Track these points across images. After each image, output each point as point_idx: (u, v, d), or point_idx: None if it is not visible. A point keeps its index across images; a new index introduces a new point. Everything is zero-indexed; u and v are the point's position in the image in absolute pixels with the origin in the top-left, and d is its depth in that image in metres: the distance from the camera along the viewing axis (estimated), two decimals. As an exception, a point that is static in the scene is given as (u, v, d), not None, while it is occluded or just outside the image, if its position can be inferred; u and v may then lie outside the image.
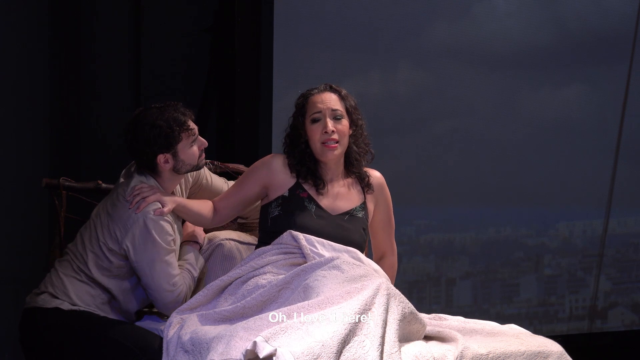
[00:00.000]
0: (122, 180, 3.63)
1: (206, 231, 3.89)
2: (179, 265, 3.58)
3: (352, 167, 3.67)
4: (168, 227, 3.49)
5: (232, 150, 4.92)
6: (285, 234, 3.53)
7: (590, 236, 5.84)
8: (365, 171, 3.71)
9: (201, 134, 3.62)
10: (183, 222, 3.75)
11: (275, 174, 3.63)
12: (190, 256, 3.65)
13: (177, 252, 3.60)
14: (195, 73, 5.06)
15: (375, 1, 5.24)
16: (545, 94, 5.64)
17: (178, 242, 3.63)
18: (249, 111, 5.01)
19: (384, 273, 3.48)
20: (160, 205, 3.48)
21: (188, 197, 3.75)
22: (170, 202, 3.52)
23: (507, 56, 5.54)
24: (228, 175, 4.15)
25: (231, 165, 4.18)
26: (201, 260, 3.70)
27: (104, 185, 3.92)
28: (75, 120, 4.92)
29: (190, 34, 5.04)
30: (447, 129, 5.51)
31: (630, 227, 5.91)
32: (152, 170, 3.55)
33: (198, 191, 3.79)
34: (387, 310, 3.08)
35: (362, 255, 3.52)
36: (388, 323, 3.06)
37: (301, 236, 3.49)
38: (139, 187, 3.50)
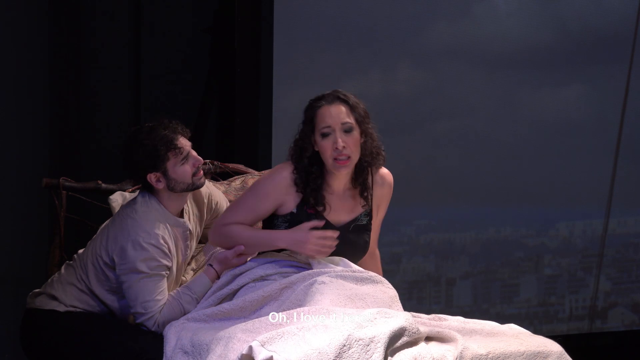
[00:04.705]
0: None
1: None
2: (179, 288, 3.53)
3: (360, 175, 3.60)
4: (156, 253, 3.42)
5: (232, 150, 4.92)
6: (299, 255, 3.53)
7: (590, 236, 5.83)
8: (369, 182, 3.62)
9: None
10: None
11: (287, 193, 3.55)
12: (196, 286, 3.54)
13: (177, 271, 3.55)
14: (196, 73, 5.06)
15: (376, 1, 5.24)
16: (545, 94, 5.64)
17: (188, 257, 3.63)
18: (249, 111, 5.01)
19: (394, 292, 3.47)
20: None
21: (206, 226, 3.73)
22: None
23: (507, 56, 5.53)
24: (228, 175, 4.15)
25: (231, 165, 4.18)
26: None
27: (104, 185, 3.92)
28: (75, 120, 4.92)
29: (190, 34, 5.04)
30: (447, 129, 5.51)
31: (630, 227, 5.91)
32: (149, 189, 3.52)
33: (216, 216, 3.76)
34: (394, 326, 3.08)
35: (371, 273, 3.52)
36: (393, 333, 3.07)
37: (315, 262, 3.48)
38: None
